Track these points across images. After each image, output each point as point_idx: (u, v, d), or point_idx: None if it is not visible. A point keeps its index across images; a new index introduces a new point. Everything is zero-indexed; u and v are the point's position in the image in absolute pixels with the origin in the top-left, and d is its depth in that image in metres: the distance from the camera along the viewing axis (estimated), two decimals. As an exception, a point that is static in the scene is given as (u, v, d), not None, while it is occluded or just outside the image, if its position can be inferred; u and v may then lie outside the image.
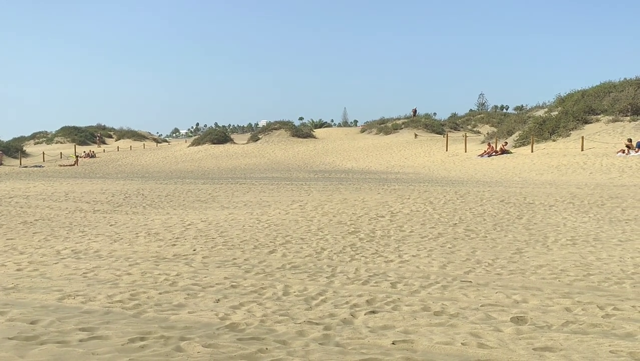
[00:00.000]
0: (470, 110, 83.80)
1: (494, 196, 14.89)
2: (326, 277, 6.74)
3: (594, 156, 24.88)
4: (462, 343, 4.41)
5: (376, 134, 52.36)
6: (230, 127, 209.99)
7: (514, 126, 36.81)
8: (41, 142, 67.93)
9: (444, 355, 4.20)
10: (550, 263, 7.34)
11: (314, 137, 54.33)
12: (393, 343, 4.42)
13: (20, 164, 41.78)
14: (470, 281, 6.48)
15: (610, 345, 4.37)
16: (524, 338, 4.54)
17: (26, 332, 4.60)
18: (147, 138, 76.86)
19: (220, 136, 54.89)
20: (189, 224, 11.00)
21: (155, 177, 27.08)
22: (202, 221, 11.46)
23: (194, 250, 8.47)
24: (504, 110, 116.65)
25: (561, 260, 7.52)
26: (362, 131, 57.14)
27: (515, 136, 33.83)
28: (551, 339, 4.51)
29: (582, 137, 27.27)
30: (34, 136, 72.96)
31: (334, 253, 8.14)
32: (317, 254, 8.12)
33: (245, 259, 7.77)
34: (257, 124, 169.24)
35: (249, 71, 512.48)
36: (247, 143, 52.49)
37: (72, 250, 8.59)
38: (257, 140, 52.88)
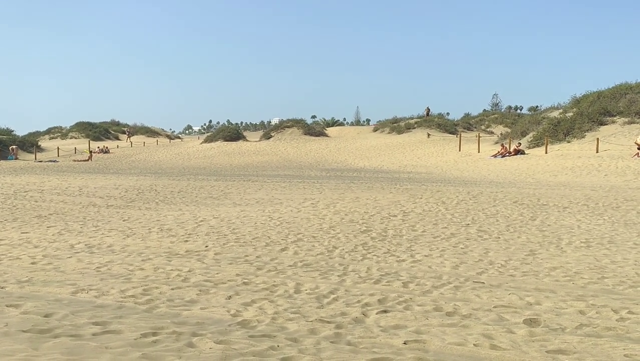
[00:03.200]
0: (484, 110, 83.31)
1: (507, 197, 14.81)
2: (338, 275, 6.74)
3: (609, 158, 24.68)
4: (474, 344, 4.39)
5: (389, 133, 52.21)
6: (243, 124, 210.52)
7: (528, 126, 36.58)
8: (56, 138, 68.41)
9: (456, 356, 4.18)
10: (564, 265, 7.29)
11: (327, 135, 54.33)
12: (405, 343, 4.41)
13: (35, 158, 42.11)
14: (483, 282, 6.45)
15: (624, 349, 4.33)
16: (537, 341, 4.51)
17: (40, 325, 4.63)
18: (160, 134, 77.23)
19: (232, 133, 54.94)
20: (202, 221, 11.04)
21: (168, 173, 27.20)
22: (215, 217, 11.49)
23: (206, 246, 8.49)
24: (518, 110, 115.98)
25: (575, 262, 7.47)
26: (375, 130, 56.98)
27: (529, 137, 33.63)
28: (565, 342, 4.48)
29: (597, 139, 27.05)
30: (49, 131, 73.44)
31: (346, 252, 8.13)
32: (328, 252, 8.11)
33: (257, 257, 7.78)
34: (270, 122, 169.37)
35: (261, 69, 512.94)
36: (259, 141, 52.54)
37: (85, 244, 8.65)
38: (269, 138, 52.94)
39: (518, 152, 30.25)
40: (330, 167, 32.33)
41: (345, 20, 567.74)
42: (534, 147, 31.23)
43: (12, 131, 55.20)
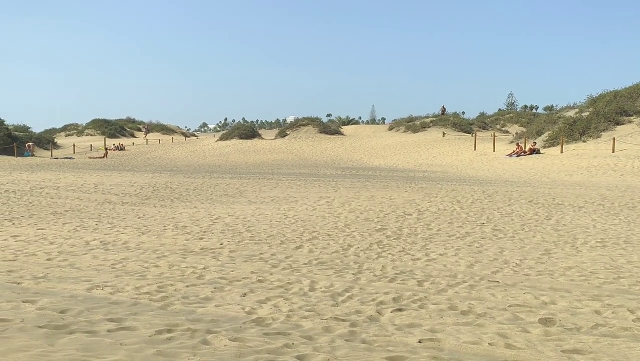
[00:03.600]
0: (499, 109, 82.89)
1: (522, 196, 14.72)
2: (353, 274, 6.73)
3: (625, 157, 24.43)
4: (489, 343, 4.36)
5: (404, 132, 52.07)
6: (258, 122, 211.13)
7: (544, 126, 36.33)
8: (72, 134, 68.89)
9: (471, 355, 4.16)
10: (579, 265, 7.23)
11: (342, 134, 54.23)
12: (419, 342, 4.39)
13: (52, 155, 42.48)
14: (498, 281, 6.41)
15: (642, 350, 4.28)
16: (552, 340, 4.48)
17: (56, 321, 4.66)
18: (176, 132, 77.52)
19: (248, 131, 55.04)
20: (217, 218, 11.07)
21: (184, 170, 27.32)
22: (230, 215, 11.53)
23: (221, 244, 8.52)
24: (534, 110, 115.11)
25: (590, 262, 7.40)
26: (390, 129, 56.85)
27: (544, 136, 33.40)
28: (580, 341, 4.44)
29: (614, 139, 26.79)
30: (65, 128, 74.00)
31: (361, 250, 8.12)
32: (343, 250, 8.10)
33: (272, 254, 7.80)
34: (285, 120, 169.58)
35: (277, 67, 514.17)
36: (274, 139, 52.58)
37: (100, 241, 8.71)
38: (284, 136, 52.96)
39: (533, 151, 30.05)
40: (346, 165, 32.31)
41: (362, 19, 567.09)
42: (549, 146, 31.01)
43: (29, 128, 55.74)
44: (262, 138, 53.45)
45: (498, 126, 56.65)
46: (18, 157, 38.54)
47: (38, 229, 9.83)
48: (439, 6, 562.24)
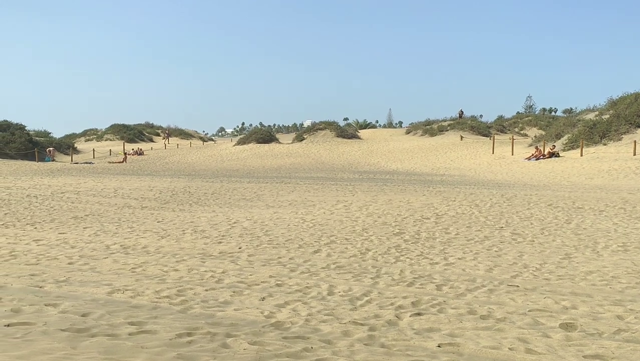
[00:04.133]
0: (518, 112, 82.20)
1: (541, 200, 14.60)
2: (371, 278, 6.72)
3: (648, 160, 24.12)
4: (509, 348, 4.34)
5: (421, 135, 51.96)
6: (275, 126, 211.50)
7: (563, 129, 35.97)
8: (91, 140, 69.67)
9: (491, 360, 4.14)
10: (600, 269, 7.15)
11: (359, 137, 54.24)
12: (439, 346, 4.38)
13: (72, 160, 42.91)
14: (518, 286, 6.37)
15: (665, 355, 4.23)
16: (573, 345, 4.44)
17: (78, 324, 4.72)
18: (194, 136, 78.13)
19: (265, 135, 55.26)
20: (235, 222, 11.12)
21: (202, 175, 27.48)
22: (248, 219, 11.57)
23: (240, 248, 8.55)
24: (552, 113, 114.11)
25: (612, 266, 7.32)
26: (408, 132, 56.77)
27: (564, 139, 33.08)
28: (602, 347, 4.39)
29: (635, 142, 26.45)
30: (84, 133, 74.81)
31: (379, 254, 8.11)
32: (361, 254, 8.10)
33: (290, 258, 7.81)
34: (302, 124, 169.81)
35: (294, 71, 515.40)
36: (292, 143, 52.73)
37: (121, 245, 8.79)
38: (302, 140, 53.09)
39: (552, 154, 29.79)
40: (363, 169, 32.27)
41: (379, 22, 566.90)
42: (569, 149, 30.71)
43: (50, 133, 56.42)
44: (280, 142, 53.63)
45: (516, 129, 56.26)
46: (39, 163, 38.97)
47: (59, 233, 9.95)
48: (458, 8, 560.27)
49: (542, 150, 30.77)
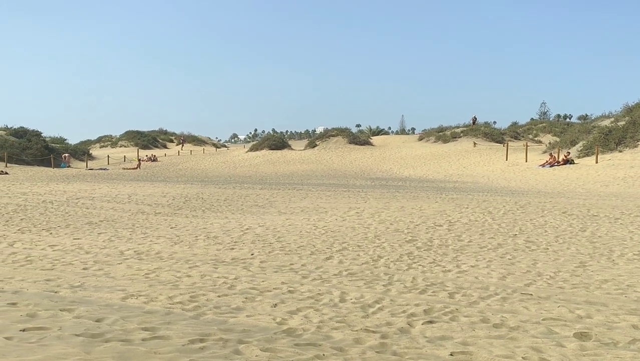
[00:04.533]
0: (532, 119, 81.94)
1: (555, 207, 14.50)
2: (383, 285, 6.71)
3: (663, 167, 23.89)
4: (522, 357, 4.31)
5: (434, 142, 51.83)
6: (288, 133, 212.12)
7: (578, 135, 35.75)
8: (106, 146, 70.27)
9: (503, 369, 4.12)
10: (616, 278, 7.09)
11: (371, 144, 54.23)
12: (451, 355, 4.36)
13: (87, 166, 43.28)
14: (531, 294, 6.33)
15: (680, 366, 4.19)
16: (588, 355, 4.40)
17: (92, 329, 4.75)
18: (207, 143, 78.47)
19: (278, 141, 55.43)
20: (247, 229, 11.15)
21: (215, 181, 27.58)
22: (260, 225, 11.60)
23: (252, 254, 8.57)
24: (567, 119, 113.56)
25: (628, 275, 7.25)
26: (420, 139, 56.67)
27: (578, 146, 32.87)
28: (617, 357, 4.35)
29: (651, 148, 26.25)
30: (99, 140, 75.48)
31: (391, 261, 8.10)
32: (373, 261, 8.09)
33: (302, 265, 7.82)
34: (315, 131, 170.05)
35: (307, 77, 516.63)
36: (304, 149, 52.82)
37: (134, 251, 8.84)
38: (314, 146, 53.17)
39: (567, 161, 29.61)
40: (375, 176, 32.25)
41: (392, 28, 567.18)
42: (583, 156, 30.51)
43: (65, 140, 57.03)
44: (292, 149, 53.74)
45: (530, 136, 56.03)
46: (55, 169, 39.36)
47: (74, 239, 10.03)
48: (472, 15, 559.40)
49: (556, 157, 30.59)
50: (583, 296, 6.23)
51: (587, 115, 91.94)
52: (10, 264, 7.75)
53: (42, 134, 49.01)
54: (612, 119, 36.03)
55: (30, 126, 49.72)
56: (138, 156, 49.87)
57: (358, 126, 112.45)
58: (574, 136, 36.53)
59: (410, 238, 10.10)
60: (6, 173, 33.00)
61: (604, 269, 7.59)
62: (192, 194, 18.79)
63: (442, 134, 52.96)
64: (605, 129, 32.66)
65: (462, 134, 51.01)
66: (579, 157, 30.64)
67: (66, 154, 44.98)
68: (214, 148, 73.55)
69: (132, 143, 68.09)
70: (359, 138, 55.74)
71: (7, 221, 12.16)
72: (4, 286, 6.36)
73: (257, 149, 53.24)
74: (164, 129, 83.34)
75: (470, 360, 4.27)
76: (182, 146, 68.61)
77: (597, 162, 27.95)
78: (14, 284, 6.48)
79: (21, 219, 12.59)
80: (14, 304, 5.52)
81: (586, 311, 5.64)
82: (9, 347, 4.20)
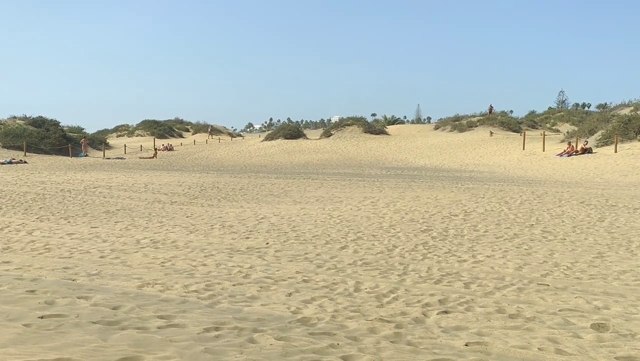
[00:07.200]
0: (550, 108, 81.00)
1: (573, 197, 14.37)
2: (398, 275, 6.70)
3: (684, 157, 23.57)
4: (538, 348, 4.28)
5: (450, 131, 51.49)
6: (303, 122, 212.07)
7: (597, 124, 35.32)
8: (123, 135, 70.63)
9: (519, 360, 4.09)
10: (634, 269, 7.01)
11: (387, 133, 53.97)
12: (466, 345, 4.35)
13: (104, 155, 43.57)
14: (548, 285, 6.28)
15: (699, 358, 4.13)
16: (605, 346, 4.36)
17: (109, 317, 4.79)
18: (222, 132, 78.60)
19: (293, 131, 55.33)
20: (262, 218, 11.18)
21: (230, 170, 27.66)
22: (275, 215, 11.62)
23: (267, 243, 8.59)
24: (586, 108, 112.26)
25: (646, 266, 7.17)
26: (436, 128, 56.34)
27: (597, 135, 32.49)
28: (635, 348, 4.31)
29: (671, 138, 25.88)
30: (116, 129, 75.90)
31: (406, 251, 8.08)
32: (388, 251, 8.07)
33: (317, 254, 7.82)
34: (330, 120, 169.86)
35: (322, 67, 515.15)
36: (319, 139, 52.70)
37: (150, 240, 8.90)
38: (329, 136, 53.02)
39: (585, 151, 29.30)
40: (391, 165, 32.15)
41: (409, 16, 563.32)
42: (602, 146, 30.16)
43: (83, 129, 57.45)
44: (307, 138, 53.62)
45: (548, 125, 55.44)
46: (73, 158, 39.67)
47: (92, 227, 10.12)
48: (489, 2, 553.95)
49: (574, 146, 30.28)
50: (601, 287, 6.17)
51: (606, 104, 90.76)
52: (29, 252, 7.84)
53: (60, 124, 49.39)
54: (632, 108, 35.55)
55: (49, 115, 50.19)
56: (154, 145, 50.09)
57: (373, 115, 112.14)
58: (592, 124, 36.10)
59: (425, 227, 10.06)
60: (25, 162, 33.33)
61: (623, 260, 7.51)
62: (208, 184, 18.86)
63: (458, 123, 52.58)
64: (625, 117, 32.23)
65: (478, 123, 50.60)
66: (597, 146, 30.31)
67: (83, 139, 45.33)
68: (230, 137, 73.71)
69: (148, 132, 68.39)
70: (374, 127, 55.45)
71: (26, 210, 12.29)
72: (23, 274, 6.43)
73: (272, 139, 53.20)
74: (180, 118, 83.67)
75: (486, 351, 4.25)
76: (210, 135, 69.46)
77: (616, 151, 27.62)
78: (33, 272, 6.55)
79: (40, 207, 12.72)
80: (32, 291, 5.58)
81: (604, 302, 5.59)
82: (27, 334, 4.25)
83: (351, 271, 6.89)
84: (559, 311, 5.29)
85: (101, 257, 7.54)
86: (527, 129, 46.83)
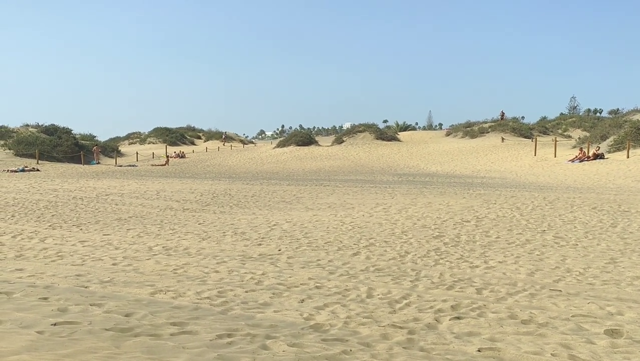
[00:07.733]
0: (561, 114, 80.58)
1: (585, 203, 14.28)
2: (410, 281, 6.69)
3: (698, 162, 23.36)
4: (551, 354, 4.26)
5: (462, 137, 51.40)
6: (315, 129, 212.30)
7: (609, 130, 35.12)
8: (135, 143, 71.04)
9: (532, 366, 4.07)
10: (648, 275, 6.96)
11: (398, 140, 53.94)
12: (479, 351, 4.33)
13: (116, 163, 43.82)
14: (560, 290, 6.25)
15: None
16: (619, 352, 4.33)
17: (121, 324, 4.82)
18: (235, 139, 78.81)
19: (305, 138, 55.44)
20: (274, 225, 11.19)
21: (242, 177, 27.73)
22: (287, 221, 11.63)
23: (279, 250, 8.61)
24: (598, 114, 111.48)
25: (660, 272, 7.11)
26: (448, 135, 56.28)
27: (609, 140, 32.30)
28: (649, 354, 4.28)
29: (684, 143, 25.68)
30: (128, 137, 76.34)
31: (418, 257, 8.06)
32: (401, 257, 8.06)
33: (329, 261, 7.83)
34: (342, 127, 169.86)
35: (334, 73, 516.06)
36: (331, 145, 52.76)
37: (163, 247, 8.94)
38: (341, 142, 53.07)
39: (597, 156, 29.12)
40: (402, 172, 32.10)
41: (420, 23, 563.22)
42: (614, 151, 29.97)
43: (95, 137, 57.89)
44: (319, 145, 53.71)
45: (560, 131, 55.14)
46: (85, 165, 39.93)
47: (104, 234, 10.18)
48: (500, 9, 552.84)
49: (586, 152, 30.10)
50: (614, 293, 6.13)
51: (618, 109, 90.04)
52: (42, 259, 7.90)
53: (72, 131, 49.78)
54: (645, 113, 35.33)
55: (61, 123, 50.64)
56: (166, 152, 50.33)
57: (385, 121, 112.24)
58: (604, 130, 35.91)
59: (437, 233, 10.04)
60: (38, 170, 33.60)
61: (636, 266, 7.46)
62: (220, 191, 18.92)
63: (470, 130, 52.50)
64: (637, 123, 32.03)
65: (490, 130, 50.50)
66: (609, 152, 30.12)
67: (95, 147, 45.62)
68: (242, 144, 73.93)
69: (160, 140, 68.72)
70: (386, 134, 55.45)
71: (38, 218, 12.39)
72: (36, 281, 6.48)
73: (284, 146, 53.33)
74: (192, 125, 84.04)
75: (498, 356, 4.23)
76: (224, 143, 69.96)
77: (628, 157, 27.45)
78: (46, 280, 6.60)
79: (52, 215, 12.82)
80: (45, 298, 5.63)
81: (617, 308, 5.56)
82: (40, 341, 4.28)
83: (363, 277, 6.89)
84: (571, 317, 5.26)
85: (113, 264, 7.59)
86: (539, 135, 46.65)
